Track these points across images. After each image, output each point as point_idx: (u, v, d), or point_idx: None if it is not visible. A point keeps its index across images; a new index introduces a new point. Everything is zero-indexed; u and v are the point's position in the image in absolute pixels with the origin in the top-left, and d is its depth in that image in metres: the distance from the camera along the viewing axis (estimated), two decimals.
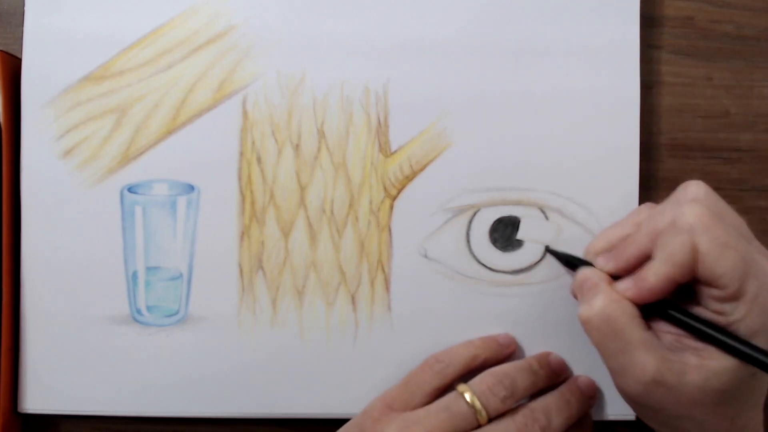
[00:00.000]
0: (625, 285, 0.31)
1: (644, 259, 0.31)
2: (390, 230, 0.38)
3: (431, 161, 0.38)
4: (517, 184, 0.38)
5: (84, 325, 0.38)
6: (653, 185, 0.40)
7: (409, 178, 0.38)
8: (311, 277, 0.38)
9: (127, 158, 0.38)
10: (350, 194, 0.38)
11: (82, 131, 0.38)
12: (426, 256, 0.38)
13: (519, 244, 0.38)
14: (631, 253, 0.32)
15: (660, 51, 0.40)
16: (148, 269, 0.38)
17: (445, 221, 0.38)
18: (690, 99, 0.40)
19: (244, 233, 0.38)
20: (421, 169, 0.38)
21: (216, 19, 0.38)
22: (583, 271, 0.33)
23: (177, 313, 0.38)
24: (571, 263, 0.36)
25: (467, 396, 0.34)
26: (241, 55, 0.38)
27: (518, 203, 0.38)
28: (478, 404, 0.34)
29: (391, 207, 0.38)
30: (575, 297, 0.34)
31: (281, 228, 0.38)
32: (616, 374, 0.31)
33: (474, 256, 0.38)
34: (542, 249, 0.38)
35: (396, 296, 0.38)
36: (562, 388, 0.36)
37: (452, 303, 0.38)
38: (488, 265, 0.38)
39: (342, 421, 0.38)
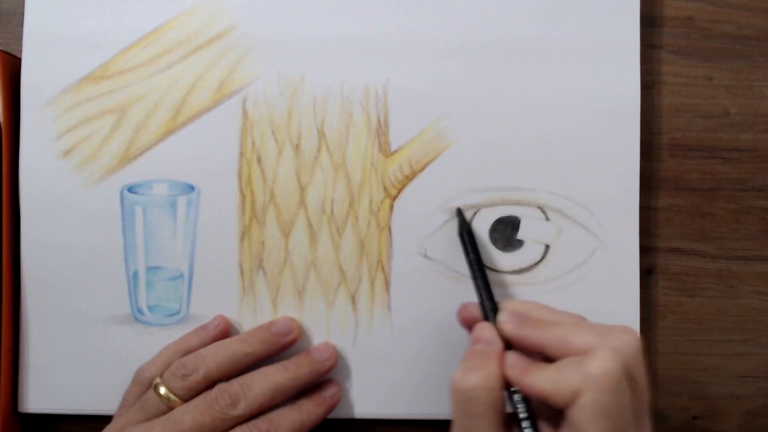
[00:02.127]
0: (512, 366, 0.30)
1: (541, 351, 0.30)
2: (390, 230, 0.38)
3: (431, 161, 0.38)
4: (517, 184, 0.38)
5: (84, 325, 0.38)
6: (653, 185, 0.40)
7: (409, 178, 0.38)
8: (311, 277, 0.38)
9: (127, 158, 0.38)
10: (350, 194, 0.38)
11: (81, 131, 0.38)
12: (426, 256, 0.38)
13: (519, 244, 0.38)
14: (537, 337, 0.30)
15: (660, 51, 0.40)
16: (149, 269, 0.38)
17: (445, 221, 0.38)
18: (690, 99, 0.40)
19: (244, 233, 0.38)
20: (421, 169, 0.38)
21: (216, 19, 0.38)
22: (483, 329, 0.32)
23: (178, 312, 0.38)
24: (481, 278, 0.34)
25: (155, 384, 0.34)
26: (241, 55, 0.38)
27: (518, 203, 0.38)
28: (162, 389, 0.34)
29: (391, 207, 0.38)
30: (462, 325, 0.34)
31: (281, 228, 0.38)
32: None
33: None
34: (542, 249, 0.38)
35: (396, 296, 0.38)
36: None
37: (452, 303, 0.38)
38: (488, 265, 0.38)
39: (342, 422, 0.38)
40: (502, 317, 0.32)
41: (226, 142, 0.38)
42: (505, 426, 0.30)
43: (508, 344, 0.31)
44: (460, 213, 0.38)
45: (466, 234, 0.36)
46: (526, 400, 0.30)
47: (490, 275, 0.38)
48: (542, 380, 0.29)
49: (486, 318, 0.33)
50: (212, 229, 0.38)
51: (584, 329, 0.30)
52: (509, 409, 0.30)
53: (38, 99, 0.38)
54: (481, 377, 0.29)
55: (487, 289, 0.34)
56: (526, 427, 0.29)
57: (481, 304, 0.33)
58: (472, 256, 0.35)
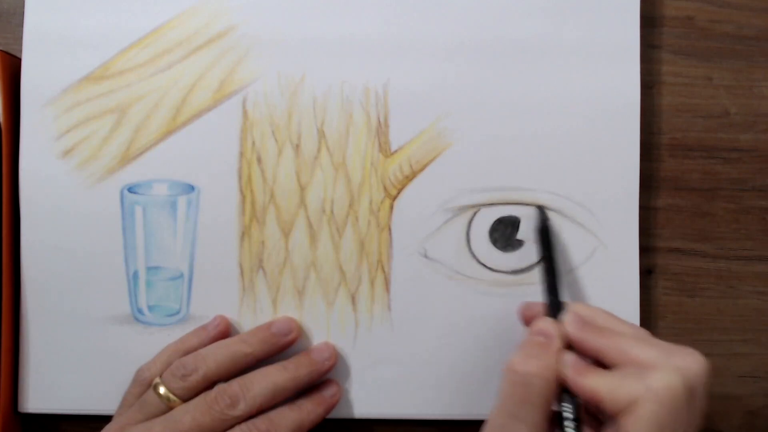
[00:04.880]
0: (568, 365, 0.30)
1: (600, 358, 0.30)
2: (390, 230, 0.38)
3: (431, 161, 0.38)
4: (517, 184, 0.38)
5: (84, 324, 0.38)
6: (653, 185, 0.40)
7: (409, 178, 0.38)
8: (311, 277, 0.38)
9: (127, 158, 0.38)
10: (350, 194, 0.38)
11: (81, 131, 0.38)
12: (426, 256, 0.38)
13: (519, 244, 0.38)
14: (598, 343, 0.31)
15: (660, 51, 0.40)
16: (149, 269, 0.38)
17: (445, 221, 0.38)
18: (690, 99, 0.40)
19: (244, 233, 0.38)
20: (421, 169, 0.38)
21: (216, 19, 0.38)
22: (546, 324, 0.32)
23: (178, 312, 0.38)
24: (550, 276, 0.34)
25: (155, 384, 0.34)
26: (241, 55, 0.38)
27: (518, 203, 0.38)
28: (161, 389, 0.34)
29: (391, 207, 0.38)
30: (522, 321, 0.35)
31: (281, 228, 0.38)
32: (492, 424, 0.30)
33: (474, 256, 0.38)
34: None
35: (396, 296, 0.38)
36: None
37: (452, 303, 0.38)
38: (488, 265, 0.38)
39: (341, 422, 0.38)
40: (567, 318, 0.32)
41: (226, 142, 0.38)
42: (549, 423, 0.30)
43: (567, 345, 0.31)
44: (541, 211, 0.37)
45: (544, 232, 0.36)
46: (574, 401, 0.30)
47: (491, 275, 0.38)
48: (599, 383, 0.29)
49: (550, 315, 0.33)
50: (212, 229, 0.38)
51: (648, 344, 0.30)
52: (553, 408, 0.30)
53: (38, 99, 0.38)
54: (540, 366, 0.30)
55: (555, 287, 0.34)
56: (569, 428, 0.30)
57: (548, 302, 0.34)
58: (546, 253, 0.35)
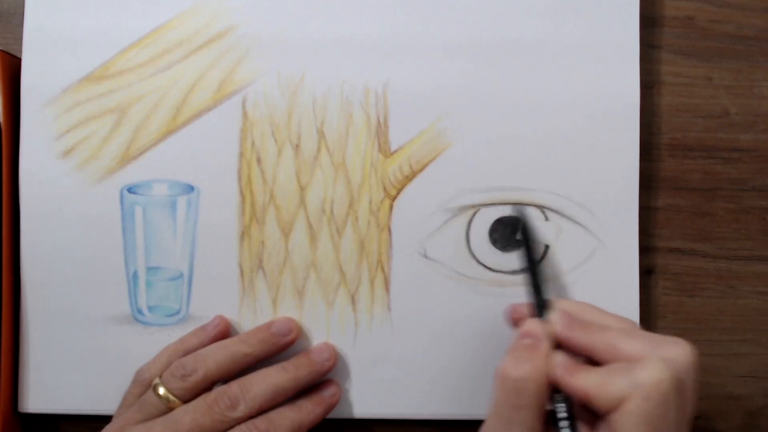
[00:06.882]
0: (558, 365, 0.30)
1: (589, 355, 0.30)
2: (390, 230, 0.38)
3: (431, 161, 0.38)
4: (517, 184, 0.38)
5: (84, 325, 0.38)
6: (653, 185, 0.40)
7: (409, 178, 0.38)
8: (311, 277, 0.38)
9: (127, 158, 0.38)
10: (350, 194, 0.38)
11: (81, 131, 0.38)
12: (426, 256, 0.38)
13: (519, 244, 0.38)
14: (586, 340, 0.30)
15: (660, 51, 0.40)
16: (149, 269, 0.38)
17: (445, 221, 0.38)
18: (690, 99, 0.40)
19: (244, 233, 0.38)
20: (421, 169, 0.38)
21: (216, 19, 0.38)
22: (533, 325, 0.32)
23: (178, 312, 0.38)
24: (534, 275, 0.34)
25: (154, 385, 0.34)
26: (241, 55, 0.38)
27: (518, 203, 0.38)
28: (161, 389, 0.34)
29: (391, 207, 0.38)
30: (510, 324, 0.35)
31: (281, 228, 0.38)
32: (488, 429, 0.31)
33: (474, 256, 0.38)
34: (542, 249, 0.38)
35: (396, 296, 0.38)
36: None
37: (452, 303, 0.38)
38: (488, 265, 0.38)
39: (341, 422, 0.38)
40: (553, 317, 0.32)
41: (226, 142, 0.38)
42: (544, 422, 0.30)
43: (556, 344, 0.31)
44: (518, 208, 0.37)
45: (523, 231, 0.36)
46: (567, 400, 0.30)
47: (491, 275, 0.38)
48: (588, 382, 0.29)
49: (536, 315, 0.33)
50: (212, 229, 0.38)
51: (635, 337, 0.30)
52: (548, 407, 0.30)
53: (38, 99, 0.38)
54: (530, 369, 0.30)
55: (538, 286, 0.34)
56: (563, 427, 0.30)
57: (533, 301, 0.33)
58: (526, 252, 0.35)
